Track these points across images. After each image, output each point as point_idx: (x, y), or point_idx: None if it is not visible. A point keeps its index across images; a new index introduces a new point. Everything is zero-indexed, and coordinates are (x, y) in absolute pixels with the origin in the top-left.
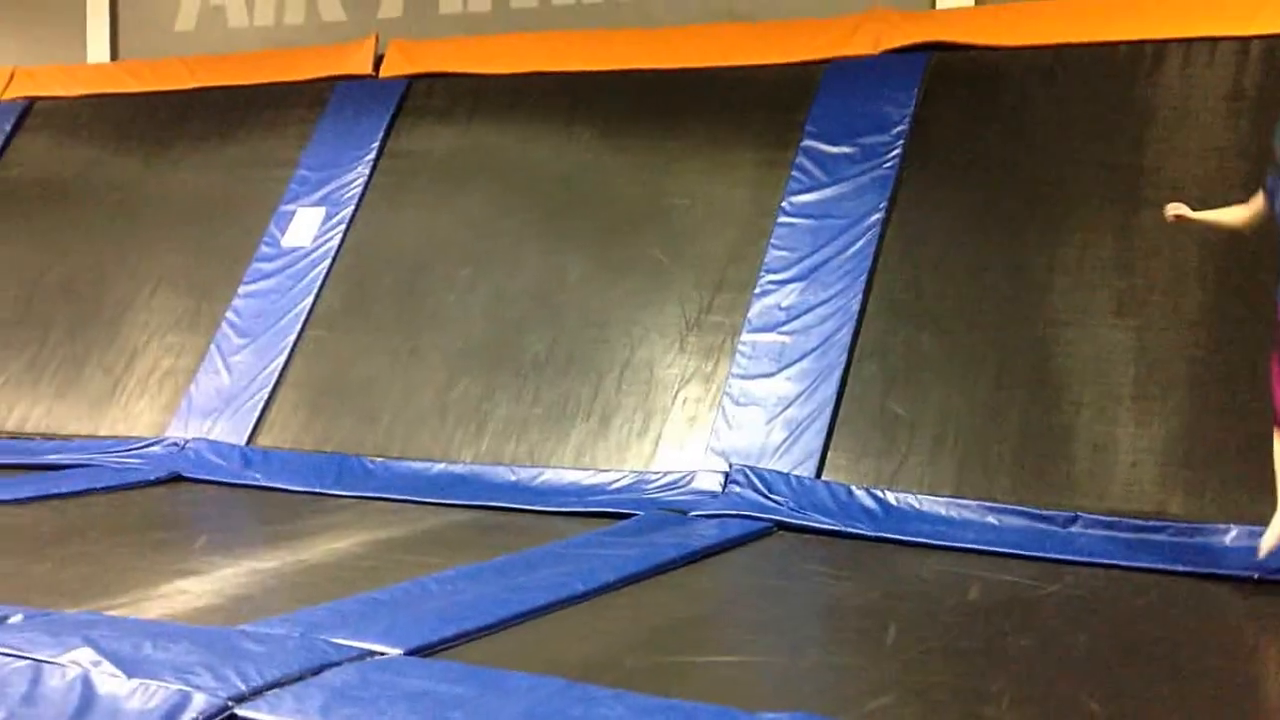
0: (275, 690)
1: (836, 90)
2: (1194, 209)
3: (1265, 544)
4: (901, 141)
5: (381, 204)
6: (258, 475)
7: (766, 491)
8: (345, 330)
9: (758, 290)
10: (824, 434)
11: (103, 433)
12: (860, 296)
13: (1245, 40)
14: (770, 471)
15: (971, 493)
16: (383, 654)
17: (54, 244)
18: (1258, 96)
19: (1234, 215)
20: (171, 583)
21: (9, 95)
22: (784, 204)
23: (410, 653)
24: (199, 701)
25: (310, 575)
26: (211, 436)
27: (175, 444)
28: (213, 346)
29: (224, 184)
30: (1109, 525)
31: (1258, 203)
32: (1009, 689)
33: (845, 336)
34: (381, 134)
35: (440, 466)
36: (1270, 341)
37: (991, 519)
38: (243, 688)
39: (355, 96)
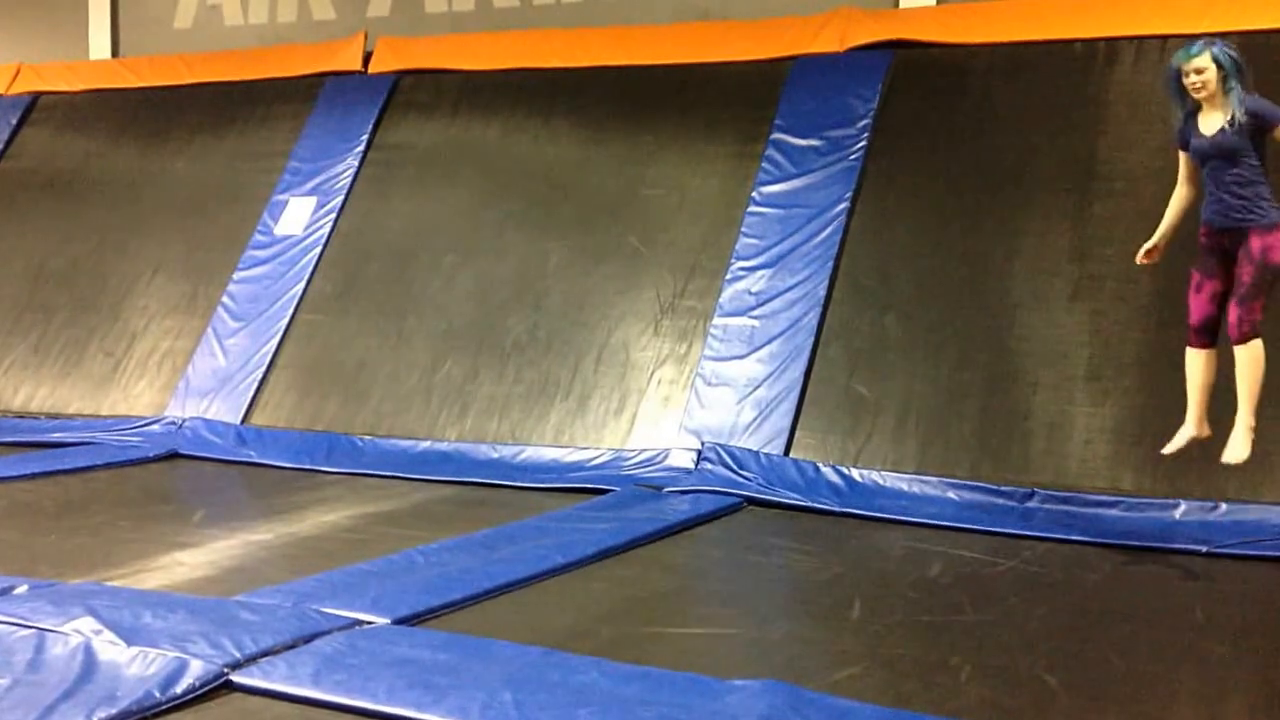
0: (269, 657)
1: (804, 86)
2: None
3: (1171, 445)
4: (866, 135)
5: (370, 194)
6: (252, 452)
7: (737, 468)
8: (336, 314)
9: (729, 276)
10: (792, 413)
11: (104, 412)
12: (827, 282)
13: (1194, 38)
14: (741, 449)
15: (933, 469)
16: (371, 623)
17: (58, 232)
18: None
19: (1179, 199)
20: (169, 555)
21: (15, 90)
22: (754, 194)
23: (397, 622)
24: (196, 668)
25: (302, 548)
26: (208, 416)
27: (173, 423)
28: (209, 329)
29: (220, 175)
30: (1064, 500)
31: (1184, 165)
32: (969, 661)
33: (812, 320)
34: (370, 127)
35: (426, 444)
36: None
37: (952, 495)
38: (238, 655)
39: (345, 91)
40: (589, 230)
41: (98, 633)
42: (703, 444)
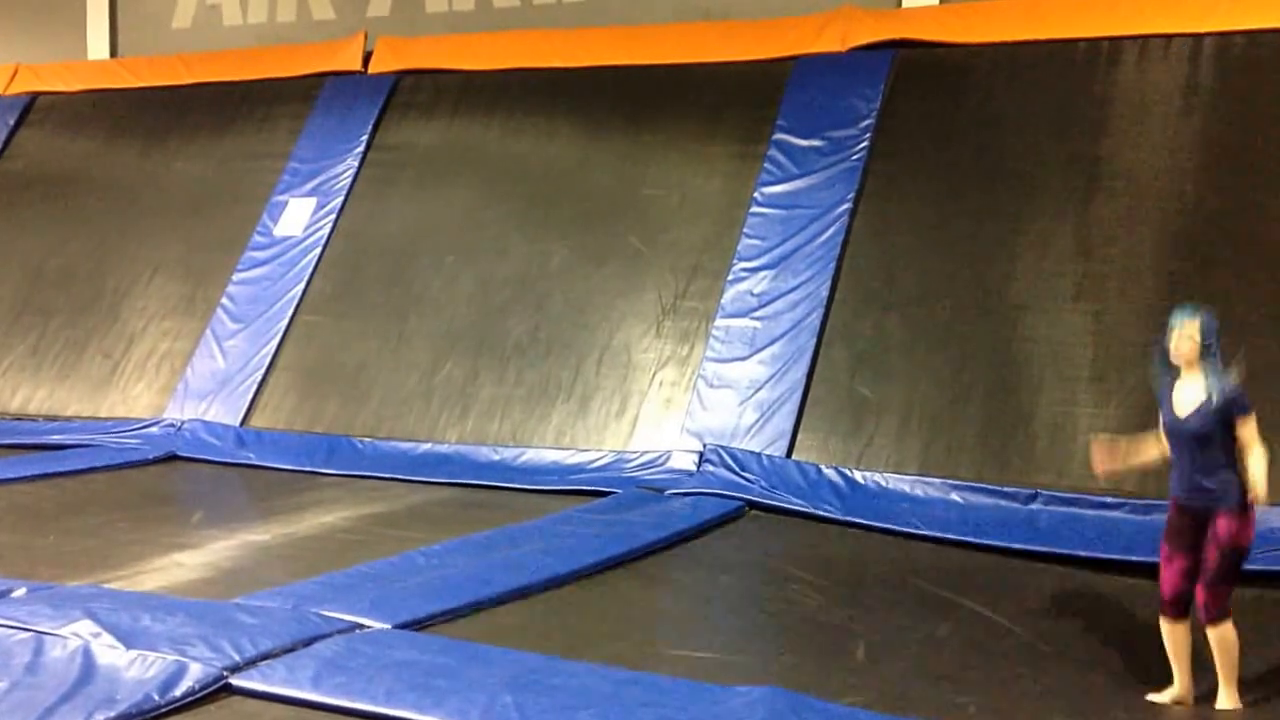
0: (268, 660)
1: (806, 85)
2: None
3: (1156, 697)
4: (869, 135)
5: (370, 195)
6: (251, 454)
7: (739, 470)
8: (335, 316)
9: (731, 277)
10: (794, 415)
11: (102, 414)
12: (829, 283)
13: (1198, 37)
14: (743, 451)
15: (936, 471)
16: (371, 626)
17: (56, 233)
18: (1210, 91)
19: (1152, 442)
20: (168, 557)
21: (13, 90)
22: (756, 194)
23: (398, 626)
24: (195, 671)
25: (301, 550)
26: (207, 418)
27: (172, 425)
28: (208, 331)
29: (219, 175)
30: (1068, 502)
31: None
32: (970, 668)
33: (815, 321)
34: (370, 127)
35: (426, 446)
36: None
37: (955, 497)
38: (237, 658)
39: (345, 92)
40: (590, 231)
41: (96, 635)
42: (705, 446)
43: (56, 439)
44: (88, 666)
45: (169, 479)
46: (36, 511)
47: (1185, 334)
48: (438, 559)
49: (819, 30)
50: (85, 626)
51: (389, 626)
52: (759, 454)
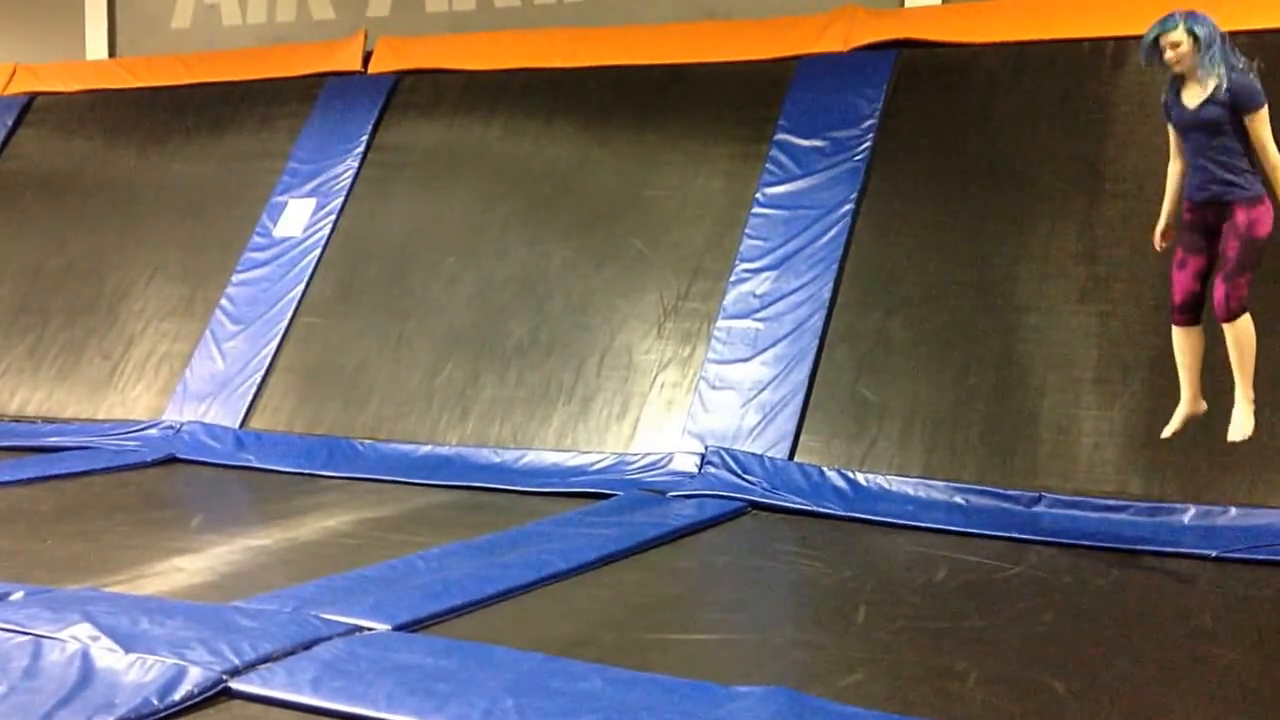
0: (268, 664)
1: (808, 85)
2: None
3: (1169, 427)
4: (871, 135)
5: (370, 195)
6: (251, 457)
7: (741, 472)
8: (335, 317)
9: (733, 278)
10: (797, 417)
11: (101, 416)
12: (832, 284)
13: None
14: (745, 453)
15: (939, 474)
16: (371, 629)
17: (54, 234)
18: None
19: (1174, 175)
20: (167, 560)
21: (10, 91)
22: (758, 195)
23: (398, 628)
24: (194, 675)
25: (301, 553)
26: (206, 420)
27: (171, 427)
28: (207, 333)
29: (218, 176)
30: (1072, 505)
31: (1173, 139)
32: (976, 667)
33: (817, 323)
34: (370, 128)
35: (427, 448)
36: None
37: (959, 499)
38: (236, 662)
39: (344, 92)
40: (591, 232)
41: (95, 639)
42: (706, 448)
43: (54, 441)
44: (86, 670)
45: (168, 482)
46: (34, 514)
47: (1170, 41)
48: (438, 562)
49: (821, 30)
50: (83, 630)
51: (389, 628)
52: (761, 456)
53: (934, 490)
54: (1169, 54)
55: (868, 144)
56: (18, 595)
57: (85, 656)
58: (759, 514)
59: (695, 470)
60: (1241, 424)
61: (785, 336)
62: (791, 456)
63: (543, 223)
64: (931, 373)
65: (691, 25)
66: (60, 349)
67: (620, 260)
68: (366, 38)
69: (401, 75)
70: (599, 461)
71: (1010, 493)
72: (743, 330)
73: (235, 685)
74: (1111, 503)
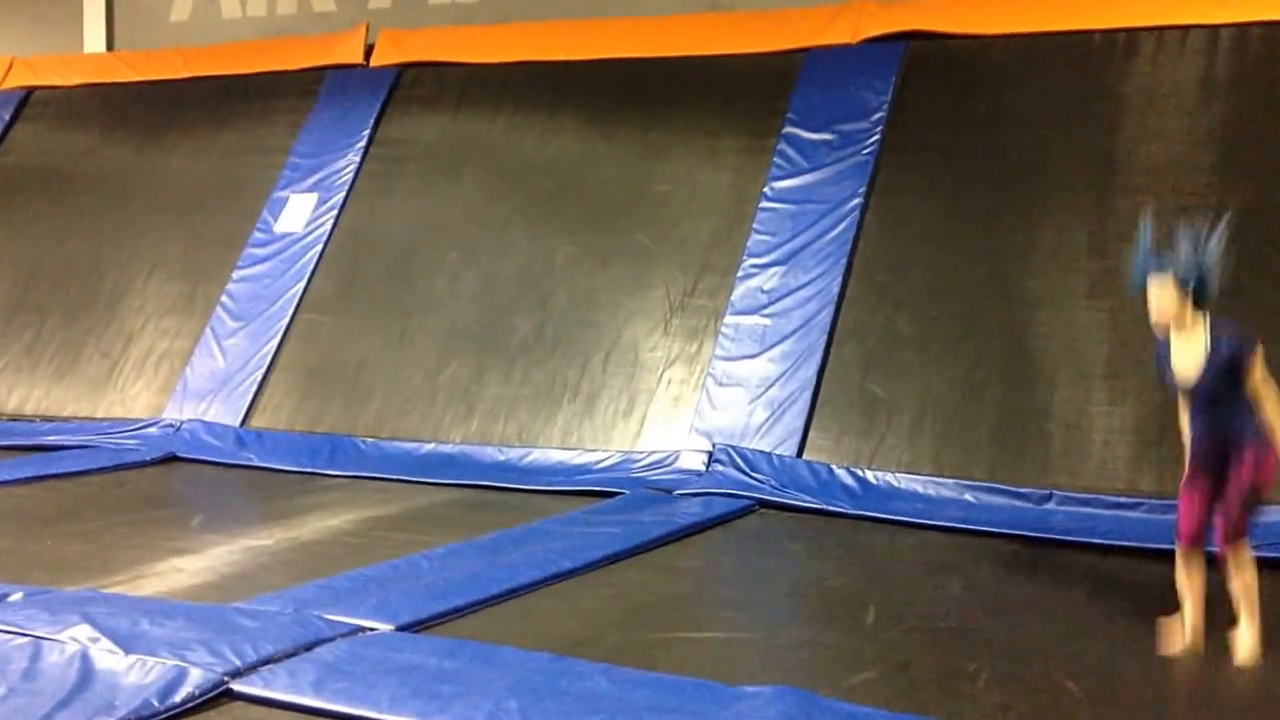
0: (269, 665)
1: (816, 78)
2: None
3: (1165, 647)
4: (880, 128)
5: (372, 190)
6: (252, 455)
7: (749, 470)
8: (337, 314)
9: (740, 274)
10: (805, 414)
11: (100, 414)
12: (840, 279)
13: (1215, 29)
14: (753, 451)
15: (949, 471)
16: (374, 629)
17: (52, 230)
18: (1227, 83)
19: (1184, 426)
20: (167, 560)
21: (7, 85)
22: (766, 189)
23: (401, 628)
24: (195, 677)
25: (303, 553)
26: (206, 418)
27: (171, 425)
28: (208, 330)
29: (218, 171)
30: (1083, 502)
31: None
32: (987, 667)
33: (825, 319)
34: (372, 122)
35: (430, 447)
36: None
37: (969, 497)
38: (237, 663)
39: (346, 85)
40: (596, 227)
41: (95, 641)
42: (714, 445)
43: (53, 440)
44: (86, 672)
45: (168, 481)
46: (33, 514)
47: (1163, 296)
48: (442, 561)
49: (829, 22)
50: (83, 631)
51: (392, 628)
52: (769, 453)
53: (944, 488)
54: (1161, 309)
55: (876, 137)
56: (16, 596)
57: (85, 658)
58: (767, 512)
59: (702, 468)
60: (1248, 647)
61: (793, 332)
62: (800, 454)
63: (547, 218)
64: (941, 368)
65: (698, 17)
66: (59, 346)
67: (626, 256)
68: (368, 30)
69: (404, 68)
70: (605, 459)
71: (1021, 490)
72: (750, 326)
73: (236, 687)
74: (1123, 500)
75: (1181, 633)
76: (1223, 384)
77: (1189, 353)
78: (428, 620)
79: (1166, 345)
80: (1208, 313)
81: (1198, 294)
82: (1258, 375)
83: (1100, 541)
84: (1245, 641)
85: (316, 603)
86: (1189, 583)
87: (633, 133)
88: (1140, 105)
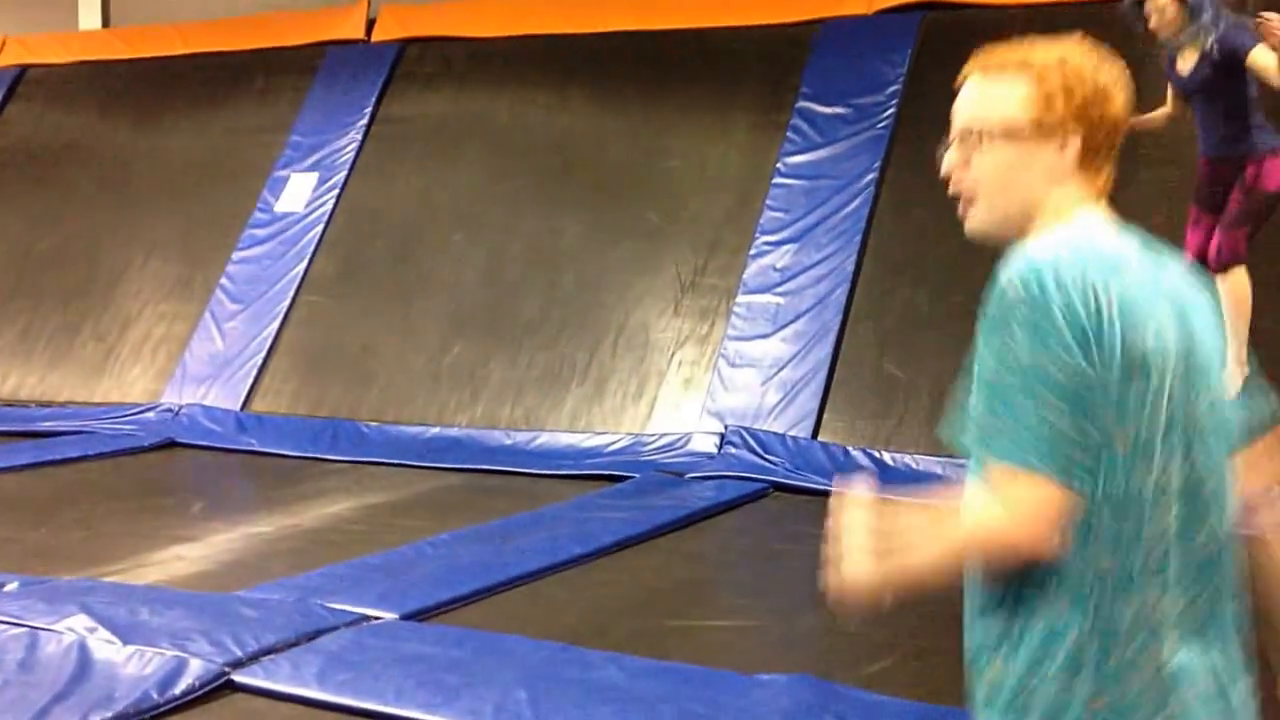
0: (271, 656)
1: (830, 50)
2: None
3: None
4: (895, 101)
5: (375, 169)
6: (253, 440)
7: (763, 452)
8: (339, 295)
9: (752, 252)
10: (820, 395)
11: (97, 399)
12: (855, 257)
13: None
14: (766, 432)
15: None
16: (378, 619)
17: (47, 211)
18: None
19: (1158, 115)
20: (167, 548)
21: (1, 63)
22: (778, 165)
23: (406, 617)
24: (195, 667)
25: (305, 540)
26: (206, 402)
27: (170, 410)
28: (207, 312)
29: (217, 150)
30: None
31: (1170, 87)
32: None
33: (840, 297)
34: (374, 99)
35: (435, 430)
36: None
37: None
38: (239, 653)
39: (347, 61)
40: (605, 205)
41: (92, 631)
42: (726, 427)
43: (49, 426)
44: (84, 663)
45: (167, 467)
46: (28, 502)
47: (1155, 7)
48: (448, 548)
49: None
50: (80, 621)
51: (397, 617)
52: (783, 435)
53: (963, 470)
54: (1151, 18)
55: (892, 111)
56: (12, 586)
57: (83, 648)
58: (781, 495)
59: (715, 451)
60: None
61: (807, 311)
62: (815, 436)
63: (554, 196)
64: (960, 347)
65: None
66: (54, 330)
67: (635, 234)
68: (370, 5)
69: (406, 44)
70: (614, 443)
71: None
72: (763, 305)
73: (238, 678)
74: None
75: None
76: (1221, 80)
77: (1190, 56)
78: (433, 609)
79: (1172, 53)
80: (1207, 16)
81: (1192, 6)
82: (1260, 61)
83: None
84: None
85: (319, 591)
86: None
87: (642, 108)
88: (1161, 76)
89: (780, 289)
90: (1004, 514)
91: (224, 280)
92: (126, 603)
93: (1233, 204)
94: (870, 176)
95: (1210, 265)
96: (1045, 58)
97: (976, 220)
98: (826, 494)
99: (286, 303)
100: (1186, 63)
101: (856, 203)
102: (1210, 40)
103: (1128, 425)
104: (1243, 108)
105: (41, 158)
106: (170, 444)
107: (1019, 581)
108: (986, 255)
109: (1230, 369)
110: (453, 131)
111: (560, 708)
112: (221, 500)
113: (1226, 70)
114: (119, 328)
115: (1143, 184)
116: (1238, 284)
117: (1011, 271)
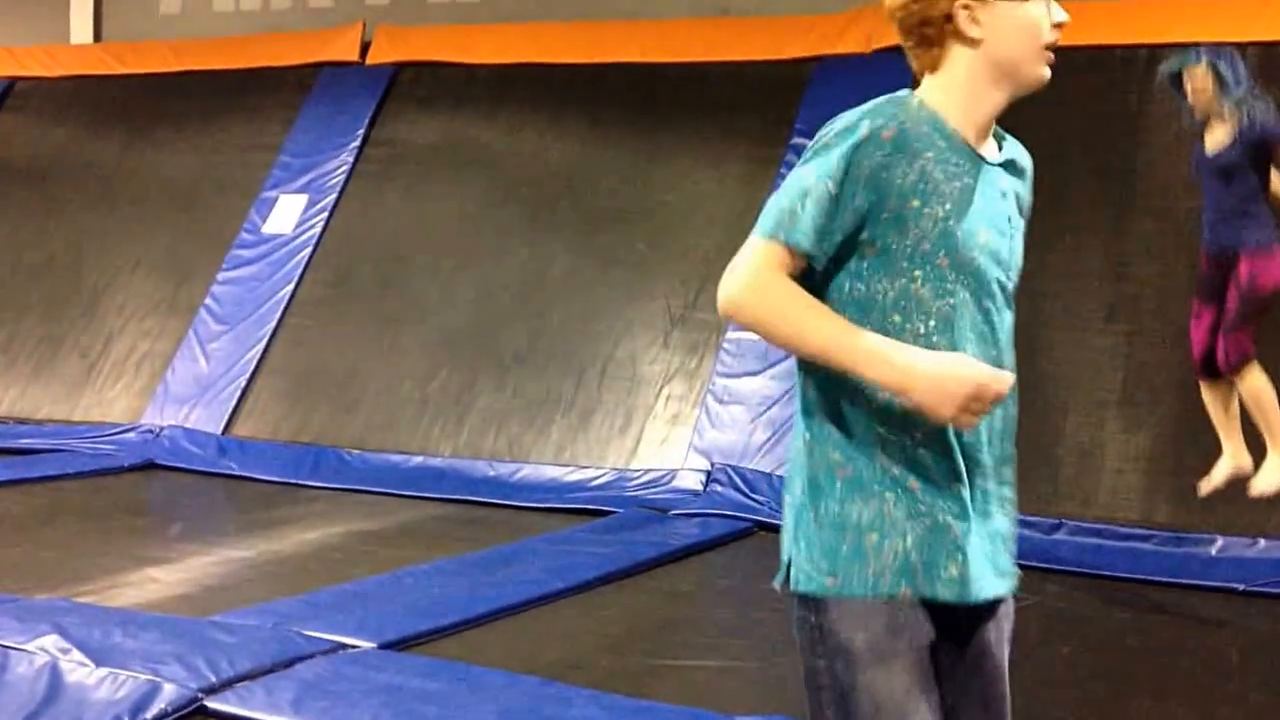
0: (246, 682)
1: (827, 88)
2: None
3: (1208, 482)
4: None
5: (365, 192)
6: (233, 464)
7: (748, 491)
8: (325, 319)
9: None
10: None
11: (77, 418)
12: None
13: (1241, 46)
14: (753, 471)
15: None
16: (356, 647)
17: (32, 225)
18: None
19: None
20: (143, 571)
21: None
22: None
23: (384, 646)
24: (168, 692)
25: (283, 566)
26: (188, 424)
27: (150, 431)
28: (191, 332)
29: (206, 168)
30: (1094, 533)
31: None
32: None
33: None
34: (366, 121)
35: (418, 459)
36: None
37: None
38: (213, 679)
39: (341, 83)
40: (596, 236)
41: (65, 652)
42: (712, 465)
43: (27, 443)
44: (54, 685)
45: (146, 488)
46: (4, 519)
47: (1196, 87)
48: (428, 578)
49: (842, 30)
50: (52, 642)
51: (374, 646)
52: (770, 474)
53: None
54: (1189, 94)
55: None
56: None
57: (54, 670)
58: (765, 534)
59: (700, 488)
60: (1268, 477)
61: None
62: None
63: (545, 225)
64: None
65: (706, 21)
66: (35, 345)
67: (626, 266)
68: (365, 27)
69: (401, 67)
70: (599, 477)
71: (1029, 518)
72: (753, 342)
73: (211, 704)
74: (1136, 531)
75: (1227, 461)
76: (1243, 162)
77: (1218, 135)
78: (412, 639)
79: (1203, 140)
80: (1241, 95)
81: (1227, 80)
82: None
83: (1110, 574)
84: (1267, 467)
85: (296, 618)
86: (1212, 410)
87: (635, 139)
88: (1160, 124)
89: None
90: None
91: (209, 300)
92: (100, 624)
93: (1231, 305)
94: None
95: (1220, 368)
96: None
97: None
98: None
99: (272, 325)
100: (1215, 141)
101: None
102: (1248, 112)
103: None
104: (1252, 193)
105: (29, 171)
106: (150, 465)
107: None
108: None
109: (1272, 457)
110: (445, 157)
111: None
112: (200, 524)
113: (1254, 153)
114: (101, 344)
115: (1140, 235)
116: (1254, 383)
117: None
